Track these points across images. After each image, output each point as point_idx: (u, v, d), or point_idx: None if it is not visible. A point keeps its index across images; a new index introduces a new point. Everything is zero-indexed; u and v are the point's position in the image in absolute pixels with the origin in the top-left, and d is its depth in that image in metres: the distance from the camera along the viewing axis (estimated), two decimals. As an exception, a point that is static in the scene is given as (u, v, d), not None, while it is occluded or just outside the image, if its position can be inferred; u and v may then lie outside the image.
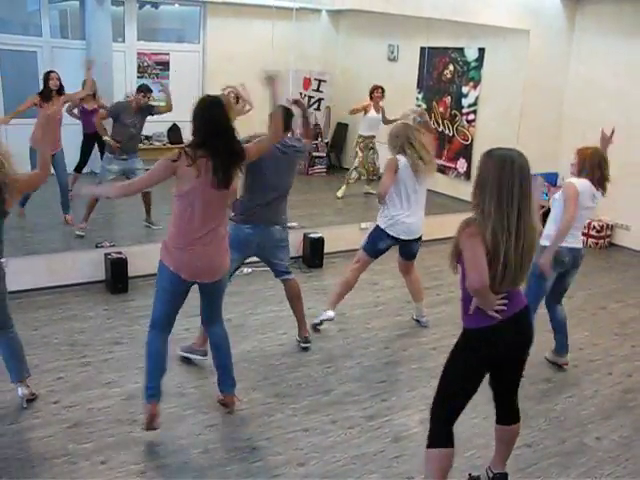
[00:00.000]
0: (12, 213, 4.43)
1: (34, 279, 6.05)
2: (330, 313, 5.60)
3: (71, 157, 8.12)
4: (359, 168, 9.84)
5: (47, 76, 7.42)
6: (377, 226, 5.48)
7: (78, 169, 8.43)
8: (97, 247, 6.52)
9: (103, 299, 6.00)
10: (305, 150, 5.20)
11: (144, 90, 7.42)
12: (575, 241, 4.84)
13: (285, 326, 5.64)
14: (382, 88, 9.58)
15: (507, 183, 2.89)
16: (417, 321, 5.89)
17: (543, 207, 8.79)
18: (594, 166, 4.74)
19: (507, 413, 3.48)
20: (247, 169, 4.46)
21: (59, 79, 7.43)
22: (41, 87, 7.41)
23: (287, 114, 4.80)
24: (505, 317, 3.07)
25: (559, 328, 5.12)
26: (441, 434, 3.27)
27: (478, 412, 4.40)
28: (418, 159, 5.26)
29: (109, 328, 5.42)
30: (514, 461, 3.92)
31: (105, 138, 7.40)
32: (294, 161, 4.98)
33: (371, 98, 9.58)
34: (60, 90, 7.46)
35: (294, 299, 5.23)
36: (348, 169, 10.26)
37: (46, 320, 5.52)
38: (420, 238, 5.55)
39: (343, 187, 9.95)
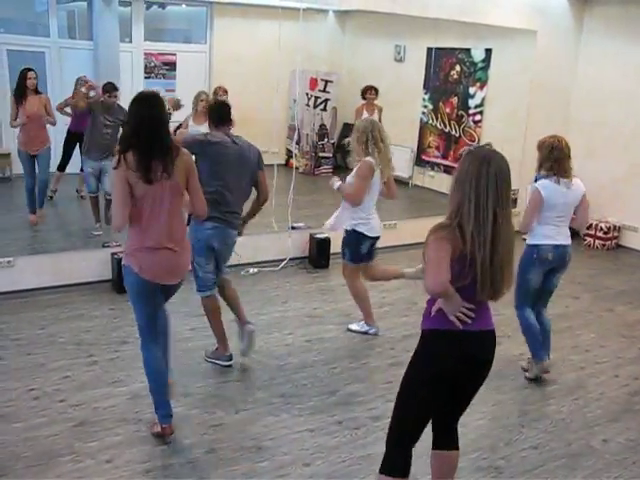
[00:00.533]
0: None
1: (40, 278, 6.06)
2: (370, 328, 5.62)
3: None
4: None
5: (24, 75, 7.25)
6: (356, 232, 5.32)
7: (61, 168, 8.30)
8: (104, 247, 6.53)
9: (109, 298, 6.00)
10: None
11: (109, 90, 7.20)
12: (560, 237, 4.72)
13: (291, 326, 5.65)
14: (375, 89, 9.23)
15: (484, 185, 2.76)
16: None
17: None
18: (552, 161, 4.69)
19: (446, 435, 3.18)
20: (207, 166, 4.47)
21: (37, 78, 7.32)
22: (24, 87, 7.26)
23: (225, 106, 4.84)
24: (468, 329, 2.88)
25: (543, 335, 4.96)
26: (397, 461, 3.06)
27: (484, 413, 4.41)
28: (387, 162, 5.23)
29: (115, 327, 5.42)
30: (520, 463, 3.92)
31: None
32: (254, 169, 4.79)
33: (364, 99, 9.32)
34: (37, 89, 7.34)
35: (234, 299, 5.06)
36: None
37: (52, 319, 5.53)
38: None
39: None
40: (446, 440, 3.20)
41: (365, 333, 5.59)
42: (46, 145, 7.49)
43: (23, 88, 7.22)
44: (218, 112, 4.78)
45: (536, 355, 4.89)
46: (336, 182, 5.34)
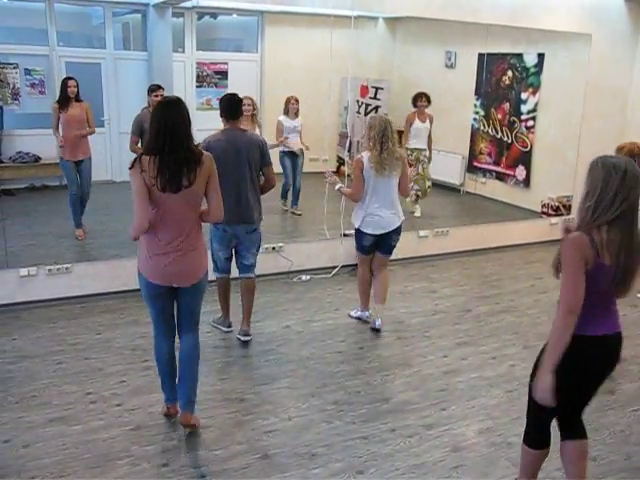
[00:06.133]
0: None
1: (97, 284, 6.19)
2: (363, 314, 6.01)
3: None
4: (413, 185, 9.23)
5: (65, 83, 7.46)
6: (356, 228, 5.67)
7: None
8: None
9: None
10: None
11: (154, 89, 7.15)
12: None
13: (343, 334, 5.65)
14: (427, 96, 9.00)
15: (614, 193, 2.84)
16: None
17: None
18: None
19: (573, 425, 3.30)
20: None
21: (77, 86, 7.44)
22: (65, 95, 7.42)
23: (236, 100, 5.06)
24: (596, 334, 3.01)
25: None
26: (534, 437, 3.33)
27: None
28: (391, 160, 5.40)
29: (169, 333, 5.50)
30: (578, 474, 3.83)
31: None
32: (257, 161, 5.12)
33: (415, 106, 9.07)
34: (78, 97, 7.45)
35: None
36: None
37: (109, 324, 5.64)
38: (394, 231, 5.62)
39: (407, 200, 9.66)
40: (573, 430, 3.29)
41: (359, 319, 5.96)
42: (87, 155, 7.61)
43: (66, 97, 7.40)
44: (229, 106, 5.03)
45: None
46: (338, 184, 5.76)
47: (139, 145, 6.98)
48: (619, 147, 4.82)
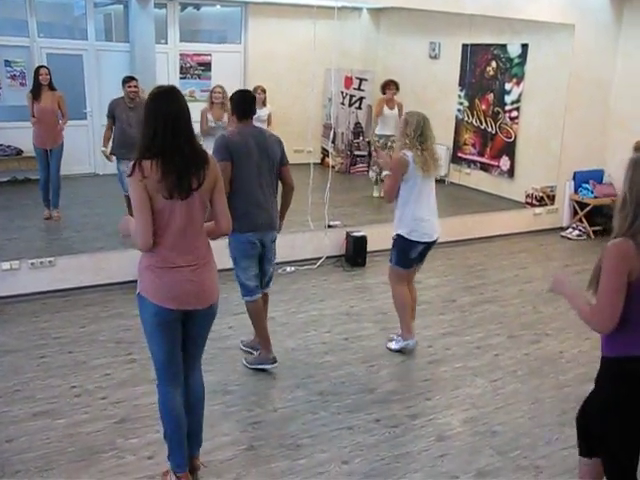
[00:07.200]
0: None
1: (81, 277, 6.16)
2: (407, 343, 5.19)
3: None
4: (376, 167, 9.54)
5: (37, 71, 7.48)
6: (400, 236, 4.96)
7: None
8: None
9: (148, 297, 6.07)
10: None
11: (128, 80, 7.09)
12: None
13: (328, 324, 5.65)
14: (395, 83, 9.12)
15: None
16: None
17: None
18: None
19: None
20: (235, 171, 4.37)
21: (49, 74, 7.45)
22: (37, 83, 7.45)
23: (249, 97, 4.59)
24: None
25: None
26: None
27: (523, 412, 4.37)
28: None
29: (154, 326, 5.47)
30: (561, 462, 3.86)
31: (102, 149, 7.19)
32: (277, 162, 4.61)
33: (383, 94, 9.25)
34: (51, 85, 7.47)
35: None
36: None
37: (93, 318, 5.61)
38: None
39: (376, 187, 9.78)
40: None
41: (400, 351, 5.16)
42: (59, 142, 7.65)
43: (38, 85, 7.42)
44: (242, 104, 4.54)
45: None
46: (387, 170, 5.05)
47: (111, 131, 7.14)
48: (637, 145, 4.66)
